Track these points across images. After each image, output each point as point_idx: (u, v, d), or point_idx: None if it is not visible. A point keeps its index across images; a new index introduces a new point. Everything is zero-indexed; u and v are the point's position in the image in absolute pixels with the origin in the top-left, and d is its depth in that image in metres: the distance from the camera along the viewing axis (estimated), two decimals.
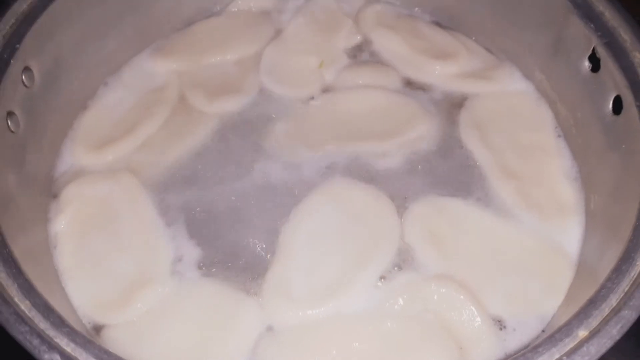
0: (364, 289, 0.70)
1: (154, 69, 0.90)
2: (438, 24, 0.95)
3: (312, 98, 0.87)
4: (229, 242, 0.74)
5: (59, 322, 0.51)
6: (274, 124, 0.85)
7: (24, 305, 0.52)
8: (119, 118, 0.85)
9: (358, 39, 0.94)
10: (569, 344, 0.51)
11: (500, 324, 0.69)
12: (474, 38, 0.93)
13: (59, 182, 0.79)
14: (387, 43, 0.92)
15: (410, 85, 0.89)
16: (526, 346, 0.66)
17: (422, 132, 0.83)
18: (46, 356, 0.48)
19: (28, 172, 0.73)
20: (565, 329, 0.52)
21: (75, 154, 0.82)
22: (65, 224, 0.75)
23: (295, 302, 0.69)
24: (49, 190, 0.78)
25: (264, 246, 0.74)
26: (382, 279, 0.71)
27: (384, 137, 0.83)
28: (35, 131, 0.76)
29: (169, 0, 0.91)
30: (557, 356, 0.50)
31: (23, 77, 0.72)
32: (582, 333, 0.51)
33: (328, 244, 0.73)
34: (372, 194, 0.77)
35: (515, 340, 0.68)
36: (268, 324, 0.68)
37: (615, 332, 0.51)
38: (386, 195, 0.77)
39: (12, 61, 0.70)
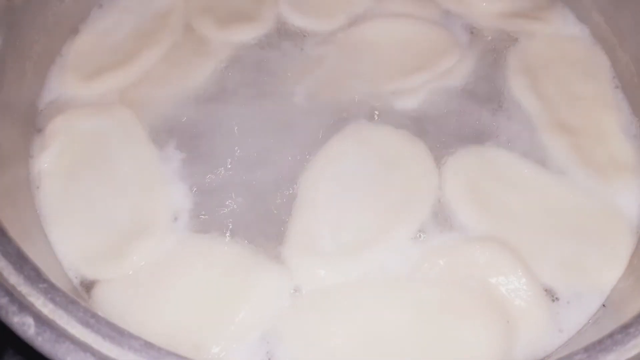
0: (399, 248, 0.62)
1: None
2: None
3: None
4: (240, 190, 0.65)
5: (35, 276, 0.41)
6: (288, 63, 0.74)
7: None
8: (114, 45, 0.76)
9: None
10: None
11: (552, 295, 0.61)
12: None
13: (44, 113, 0.71)
14: None
15: (451, 19, 0.79)
16: (585, 323, 0.57)
17: (452, 64, 0.74)
18: (16, 319, 0.37)
19: (7, 99, 0.64)
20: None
21: (64, 83, 0.73)
22: (51, 161, 0.66)
23: (323, 259, 0.60)
24: (32, 123, 0.69)
25: (283, 194, 0.65)
26: (419, 238, 0.63)
27: (411, 71, 0.74)
28: (17, 52, 0.67)
29: None
30: None
31: None
32: None
33: (356, 193, 0.65)
34: (404, 137, 0.69)
35: (570, 314, 0.59)
36: (293, 285, 0.59)
37: None
38: (422, 142, 0.69)
39: None
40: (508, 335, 0.58)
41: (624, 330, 0.41)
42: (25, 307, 0.38)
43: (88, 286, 0.59)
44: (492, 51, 0.77)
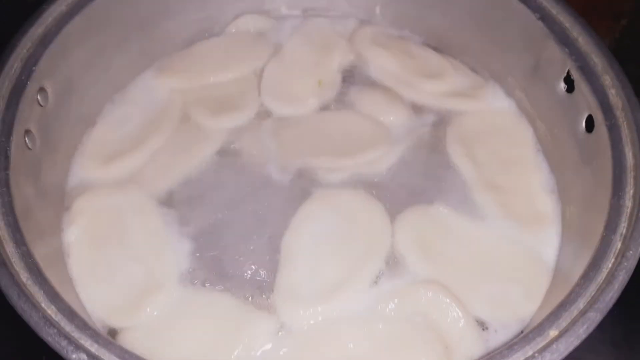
0: (360, 292, 0.75)
1: (158, 87, 0.94)
2: (427, 45, 1.01)
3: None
4: (233, 252, 0.79)
5: (83, 325, 0.56)
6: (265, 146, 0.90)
7: (51, 310, 0.57)
8: (125, 133, 0.89)
9: (351, 58, 0.99)
10: (540, 342, 0.56)
11: (483, 325, 0.74)
12: (459, 59, 0.99)
13: (70, 194, 0.83)
14: (381, 62, 0.97)
15: (398, 100, 0.94)
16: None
17: (377, 155, 0.88)
18: (74, 356, 0.53)
19: (44, 186, 0.77)
20: (538, 329, 0.57)
21: (85, 168, 0.86)
22: (77, 234, 0.80)
23: (305, 302, 0.74)
24: (61, 202, 0.83)
25: (272, 252, 0.79)
26: (377, 282, 0.77)
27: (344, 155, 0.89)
28: (49, 147, 0.80)
29: (171, 21, 0.96)
30: (530, 353, 0.56)
31: (38, 97, 0.76)
32: (553, 332, 0.57)
33: (326, 248, 0.78)
34: (362, 197, 0.83)
35: (497, 340, 0.73)
36: (279, 325, 0.73)
37: (582, 331, 0.57)
38: (378, 201, 0.83)
39: (29, 83, 0.74)
40: (447, 358, 0.71)
41: (510, 347, 0.56)
42: (79, 347, 0.53)
43: (112, 334, 0.73)
44: (436, 125, 0.91)
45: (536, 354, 0.55)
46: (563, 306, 0.60)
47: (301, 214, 0.82)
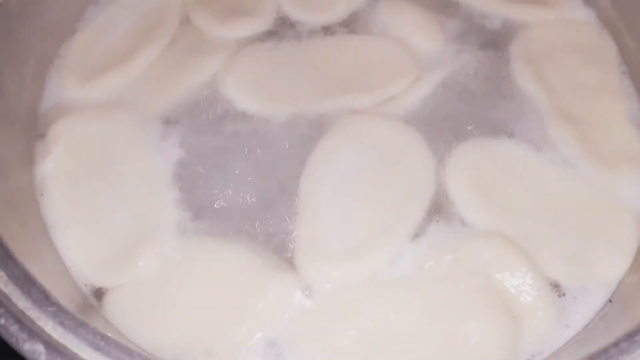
0: (404, 246, 0.62)
1: None
2: None
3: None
4: (244, 195, 0.65)
5: (43, 299, 0.41)
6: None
7: None
8: (112, 43, 0.75)
9: None
10: None
11: (558, 290, 0.61)
12: None
13: (45, 118, 0.70)
14: None
15: (448, 8, 0.78)
16: (591, 319, 0.57)
17: (402, 86, 0.72)
18: (26, 346, 0.38)
19: (7, 107, 0.64)
20: None
21: (64, 86, 0.73)
22: (54, 166, 0.66)
23: (331, 260, 0.61)
24: (34, 129, 0.69)
25: (286, 198, 0.65)
26: (424, 234, 0.63)
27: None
28: (14, 58, 0.66)
29: None
30: None
31: None
32: None
33: (355, 191, 0.65)
34: (395, 127, 0.69)
35: (577, 310, 0.60)
36: (302, 287, 0.60)
37: None
38: (417, 132, 0.68)
39: None
40: (514, 331, 0.58)
41: (630, 338, 0.41)
42: (35, 333, 0.38)
43: (98, 294, 0.60)
44: (496, 40, 0.75)
45: None
46: None
47: (321, 150, 0.67)
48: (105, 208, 0.64)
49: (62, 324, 0.39)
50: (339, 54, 0.75)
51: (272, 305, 0.59)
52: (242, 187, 0.65)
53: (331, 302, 0.60)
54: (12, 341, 0.38)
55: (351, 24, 0.77)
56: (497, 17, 0.77)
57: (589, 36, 0.77)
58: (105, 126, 0.68)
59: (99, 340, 0.39)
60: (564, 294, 0.60)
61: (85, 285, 0.60)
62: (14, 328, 0.38)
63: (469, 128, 0.69)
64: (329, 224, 0.62)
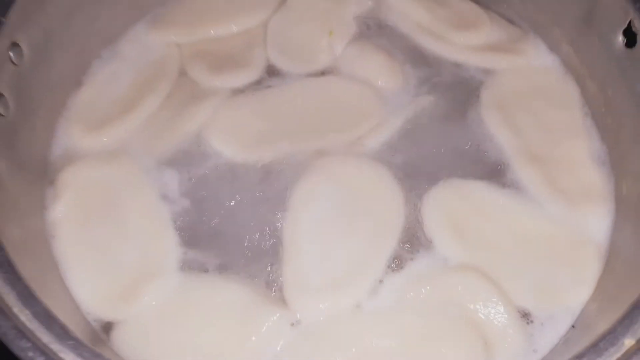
0: (382, 278, 0.67)
1: (152, 41, 0.85)
2: None
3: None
4: (236, 236, 0.70)
5: (63, 334, 0.47)
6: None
7: (24, 316, 0.48)
8: (116, 95, 0.81)
9: (370, 5, 0.88)
10: (614, 354, 0.47)
11: (527, 318, 0.66)
12: (495, 9, 0.88)
13: (54, 166, 0.75)
14: (406, 9, 0.86)
15: (420, 61, 0.83)
16: (556, 344, 0.63)
17: (370, 126, 0.78)
18: None
19: (20, 157, 0.69)
20: (610, 338, 0.48)
21: (71, 135, 0.78)
22: (64, 210, 0.71)
23: (317, 293, 0.66)
24: (44, 176, 0.74)
25: (271, 241, 0.71)
26: (403, 268, 0.68)
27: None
28: (27, 112, 0.71)
29: None
30: None
31: (11, 54, 0.68)
32: (629, 342, 0.48)
33: (333, 230, 0.70)
34: (366, 166, 0.74)
35: (544, 336, 0.65)
36: (291, 320, 0.65)
37: None
38: (385, 168, 0.74)
39: None
40: (486, 355, 0.63)
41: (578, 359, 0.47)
42: None
43: (106, 328, 0.65)
44: (466, 86, 0.81)
45: None
46: (638, 308, 0.50)
47: (299, 192, 0.72)
48: (111, 248, 0.69)
49: (80, 355, 0.45)
50: (313, 97, 0.80)
51: (265, 337, 0.64)
52: (235, 228, 0.70)
53: (318, 332, 0.65)
54: None
55: (332, 71, 0.83)
56: (467, 66, 0.83)
57: (554, 81, 0.82)
58: (109, 172, 0.73)
59: None
60: (532, 321, 0.66)
61: (95, 320, 0.65)
62: (40, 359, 0.44)
63: (439, 167, 0.74)
64: (311, 261, 0.67)
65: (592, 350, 0.48)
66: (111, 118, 0.78)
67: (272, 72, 0.83)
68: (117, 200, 0.72)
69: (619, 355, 0.47)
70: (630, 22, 0.69)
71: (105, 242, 0.69)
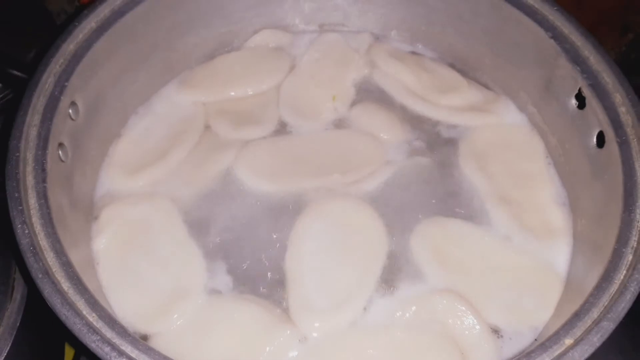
0: (375, 299, 0.79)
1: (181, 100, 0.97)
2: (441, 60, 1.03)
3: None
4: (250, 266, 0.82)
5: (123, 332, 0.59)
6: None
7: (92, 318, 0.60)
8: (150, 145, 0.92)
9: (365, 72, 1.02)
10: (556, 350, 0.59)
11: (497, 333, 0.77)
12: (472, 75, 1.02)
13: (98, 204, 0.86)
14: (397, 75, 0.99)
15: (409, 119, 0.97)
16: (520, 353, 0.74)
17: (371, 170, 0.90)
18: None
19: (76, 196, 0.80)
20: (554, 338, 0.60)
21: (112, 179, 0.88)
22: (105, 243, 0.82)
23: (320, 313, 0.77)
24: (90, 212, 0.86)
25: (279, 268, 0.82)
26: (393, 291, 0.80)
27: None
28: (80, 159, 0.83)
29: (193, 36, 0.99)
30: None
31: (70, 111, 0.79)
32: (568, 341, 0.60)
33: (329, 259, 0.80)
34: (355, 205, 0.85)
35: (511, 347, 0.76)
36: (299, 336, 0.76)
37: (595, 340, 0.60)
38: (370, 206, 0.86)
39: (61, 97, 0.77)
40: None
41: (528, 355, 0.59)
42: (121, 352, 0.56)
43: (143, 340, 0.75)
44: (447, 139, 0.94)
45: None
46: (578, 316, 0.63)
47: (299, 227, 0.84)
48: (146, 274, 0.79)
49: (137, 348, 0.57)
50: (324, 145, 0.93)
51: (277, 351, 0.75)
52: (252, 258, 0.82)
53: (323, 346, 0.76)
54: (106, 358, 0.56)
55: (339, 126, 0.96)
56: (448, 123, 0.96)
57: (522, 135, 0.94)
58: (145, 210, 0.85)
59: (162, 358, 0.57)
60: (502, 336, 0.77)
61: (133, 332, 0.76)
62: (107, 349, 0.56)
63: (424, 207, 0.86)
64: (312, 286, 0.79)
65: (540, 347, 0.60)
66: (146, 164, 0.89)
67: (283, 128, 0.96)
68: (151, 233, 0.83)
69: (560, 351, 0.59)
70: (579, 89, 0.82)
71: (141, 269, 0.80)
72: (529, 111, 0.97)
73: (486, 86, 1.01)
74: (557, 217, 0.87)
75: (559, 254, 0.84)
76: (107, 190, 0.89)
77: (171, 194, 0.88)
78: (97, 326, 0.59)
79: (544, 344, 0.59)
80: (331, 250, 0.82)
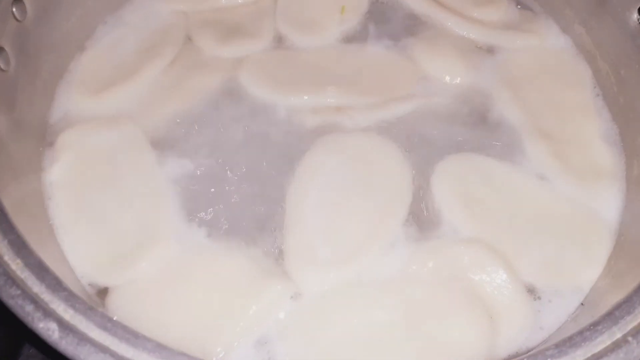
0: (390, 250, 0.66)
1: (159, 8, 0.83)
2: None
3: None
4: (238, 204, 0.69)
5: (56, 285, 0.44)
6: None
7: (15, 265, 0.45)
8: (119, 60, 0.79)
9: None
10: (631, 322, 0.45)
11: (534, 294, 0.64)
12: None
13: (54, 128, 0.74)
14: None
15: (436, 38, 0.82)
16: (564, 321, 0.61)
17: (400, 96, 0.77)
18: (41, 324, 0.41)
19: (20, 116, 0.67)
20: (627, 306, 0.46)
21: (72, 99, 0.76)
22: (61, 173, 0.70)
23: (321, 265, 0.64)
24: (43, 137, 0.73)
25: (276, 210, 0.68)
26: (407, 241, 0.66)
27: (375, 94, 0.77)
28: (28, 71, 0.70)
29: None
30: (618, 335, 0.44)
31: (13, 9, 0.66)
32: None
33: (340, 201, 0.68)
34: (375, 140, 0.73)
35: (551, 312, 0.63)
36: (293, 291, 0.63)
37: None
38: (394, 143, 0.73)
39: None
40: (492, 331, 0.61)
41: (593, 328, 0.45)
42: (49, 313, 0.42)
43: (101, 293, 0.63)
44: (479, 64, 0.80)
45: (630, 338, 0.44)
46: None
47: (306, 163, 0.71)
48: (109, 213, 0.67)
49: (73, 306, 0.43)
50: (348, 60, 0.79)
51: (265, 309, 0.62)
52: (237, 195, 0.69)
53: (320, 304, 0.63)
54: (27, 319, 0.42)
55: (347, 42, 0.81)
56: (481, 43, 0.81)
57: (565, 61, 0.81)
58: (109, 136, 0.72)
59: (107, 322, 0.42)
60: (539, 298, 0.64)
61: (89, 284, 0.63)
62: (29, 308, 0.42)
63: (450, 143, 0.73)
64: (315, 232, 0.66)
65: (607, 318, 0.46)
66: (113, 82, 0.76)
67: (280, 43, 0.81)
68: (117, 166, 0.70)
69: (635, 323, 0.45)
70: None
71: (102, 206, 0.67)
72: (575, 31, 0.83)
73: (525, 4, 0.86)
74: (606, 157, 0.74)
75: (608, 200, 0.71)
76: (66, 112, 0.76)
77: (141, 119, 0.74)
78: (21, 276, 0.44)
79: (612, 314, 0.45)
80: (343, 190, 0.69)
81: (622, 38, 0.73)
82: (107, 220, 0.66)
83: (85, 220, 0.66)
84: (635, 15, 0.71)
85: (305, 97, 0.75)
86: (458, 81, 0.78)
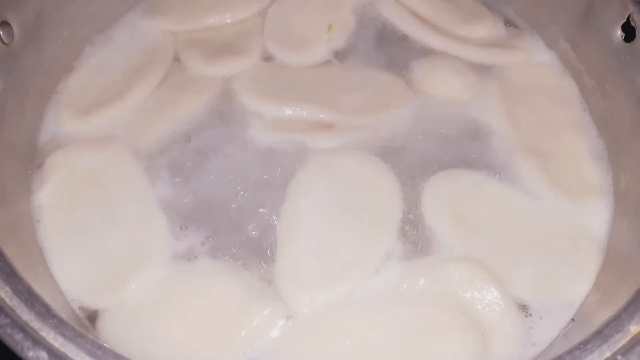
0: (378, 270, 0.66)
1: (147, 28, 0.83)
2: None
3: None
4: (228, 225, 0.68)
5: (45, 312, 0.44)
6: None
7: (4, 293, 0.45)
8: (107, 81, 0.79)
9: None
10: (620, 340, 0.46)
11: (525, 311, 0.64)
12: (492, 8, 0.87)
13: (42, 150, 0.73)
14: (406, 2, 0.85)
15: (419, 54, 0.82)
16: (555, 337, 0.61)
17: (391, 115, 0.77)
18: (31, 354, 0.41)
19: (8, 138, 0.67)
20: (616, 324, 0.46)
21: (60, 120, 0.75)
22: (50, 195, 0.69)
23: (312, 286, 0.64)
24: (32, 159, 0.72)
25: (268, 225, 0.68)
26: (398, 259, 0.66)
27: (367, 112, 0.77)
28: (16, 93, 0.70)
29: None
30: (608, 354, 0.45)
31: (0, 32, 0.66)
32: (635, 328, 0.46)
33: (330, 220, 0.68)
34: (365, 159, 0.72)
35: (543, 328, 0.63)
36: (286, 313, 0.63)
37: None
38: (384, 162, 0.72)
39: None
40: (483, 348, 0.61)
41: (583, 346, 0.45)
42: (38, 342, 0.42)
43: (91, 316, 0.62)
44: (467, 81, 0.79)
45: (619, 357, 0.44)
46: None
47: (297, 183, 0.71)
48: (98, 234, 0.66)
49: (62, 334, 0.42)
50: (339, 76, 0.79)
51: (257, 331, 0.62)
52: (228, 216, 0.68)
53: (312, 325, 0.63)
54: (17, 349, 0.41)
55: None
56: (466, 60, 0.81)
57: (552, 77, 0.82)
58: (98, 157, 0.71)
59: (97, 349, 0.42)
60: (530, 314, 0.64)
61: (80, 307, 0.62)
62: (19, 337, 0.41)
63: (440, 160, 0.73)
64: (306, 253, 0.66)
65: (597, 336, 0.46)
66: (101, 103, 0.76)
67: (268, 61, 0.81)
68: (106, 187, 0.70)
69: (624, 342, 0.45)
70: (629, 17, 0.69)
71: (92, 228, 0.67)
72: (560, 47, 0.83)
73: (510, 20, 0.87)
74: (594, 173, 0.74)
75: (597, 216, 0.71)
76: (54, 134, 0.75)
77: (130, 139, 0.74)
78: (10, 304, 0.44)
79: (602, 332, 0.45)
80: (334, 209, 0.69)
81: (607, 54, 0.74)
82: (97, 242, 0.66)
83: (74, 243, 0.66)
84: (619, 31, 0.71)
85: (294, 111, 0.76)
86: (446, 98, 0.78)
